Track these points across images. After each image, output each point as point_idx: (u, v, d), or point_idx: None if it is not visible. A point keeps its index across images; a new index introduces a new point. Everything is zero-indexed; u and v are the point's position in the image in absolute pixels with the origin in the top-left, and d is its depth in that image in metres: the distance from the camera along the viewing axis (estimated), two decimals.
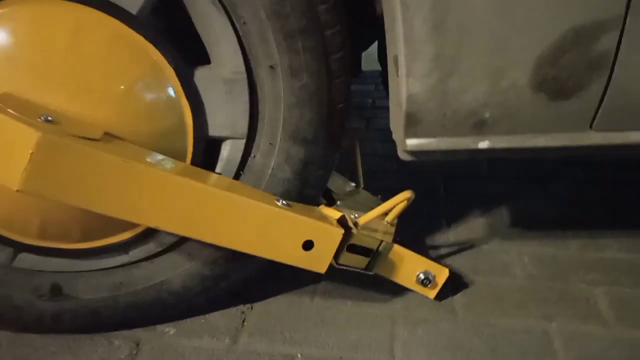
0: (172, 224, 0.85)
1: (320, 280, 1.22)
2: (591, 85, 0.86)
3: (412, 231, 1.42)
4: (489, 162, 1.85)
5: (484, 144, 0.93)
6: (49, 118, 0.78)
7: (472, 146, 0.94)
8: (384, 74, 1.29)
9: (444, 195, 1.64)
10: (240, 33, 0.89)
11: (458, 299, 1.15)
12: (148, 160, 0.84)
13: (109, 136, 0.84)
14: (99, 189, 0.78)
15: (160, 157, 0.88)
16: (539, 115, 0.90)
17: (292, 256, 0.93)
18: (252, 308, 1.14)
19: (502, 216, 1.49)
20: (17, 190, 0.74)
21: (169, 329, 1.07)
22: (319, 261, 0.95)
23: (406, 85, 0.87)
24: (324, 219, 0.97)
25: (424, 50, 0.83)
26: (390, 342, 1.03)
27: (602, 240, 1.35)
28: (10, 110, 0.74)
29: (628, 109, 0.89)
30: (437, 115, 0.90)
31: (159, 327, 1.07)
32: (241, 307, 1.13)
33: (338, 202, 1.13)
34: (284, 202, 0.93)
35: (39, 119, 0.77)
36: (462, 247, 1.35)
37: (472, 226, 1.45)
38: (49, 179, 0.75)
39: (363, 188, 1.38)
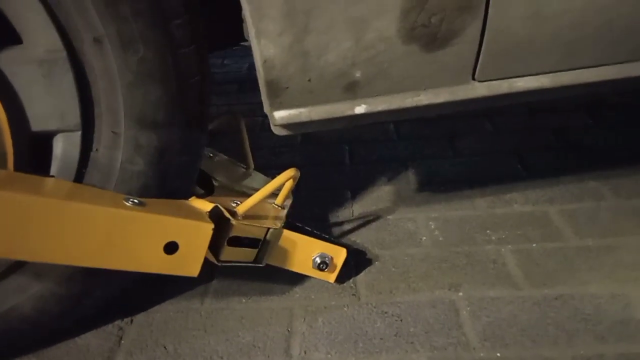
0: None
1: (214, 277, 1.09)
2: (466, 30, 0.76)
3: (314, 208, 1.31)
4: (396, 123, 1.77)
5: (360, 109, 0.82)
6: None
7: (348, 112, 0.83)
8: None
9: (349, 164, 1.54)
10: (49, 1, 0.72)
11: (361, 278, 1.06)
12: None
13: None
14: None
15: None
16: (415, 70, 0.79)
17: (154, 263, 0.79)
18: (131, 321, 0.99)
19: (409, 181, 1.41)
20: None
21: None
22: (188, 264, 0.82)
23: (259, 49, 0.74)
24: (190, 214, 0.84)
25: (271, 3, 0.70)
26: (287, 340, 0.93)
27: (508, 194, 1.30)
28: None
29: (510, 53, 0.80)
30: (301, 81, 0.78)
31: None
32: (119, 323, 0.99)
33: (218, 194, 1.00)
34: (134, 200, 0.79)
35: None
36: (367, 219, 1.26)
37: (378, 196, 1.36)
38: None
39: (255, 169, 1.25)
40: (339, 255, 1.01)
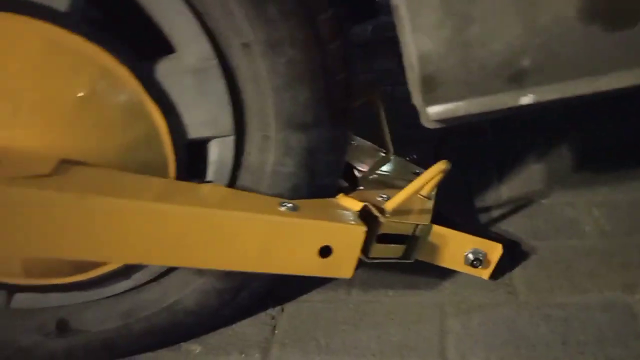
0: (156, 257, 0.73)
1: (359, 265, 1.08)
2: None
3: (458, 191, 1.24)
4: None
5: (526, 99, 0.73)
6: None
7: (511, 103, 0.74)
8: None
9: (492, 137, 1.43)
10: (199, 9, 0.71)
11: (517, 274, 0.98)
12: (113, 187, 0.70)
13: (66, 165, 0.70)
14: (57, 233, 0.66)
15: (132, 177, 0.75)
16: (595, 53, 0.68)
17: (309, 266, 0.79)
18: (282, 310, 1.02)
19: (563, 157, 1.27)
20: None
21: (195, 347, 0.97)
22: (342, 266, 0.81)
23: (414, 44, 0.68)
24: (341, 215, 0.82)
25: None
26: (441, 340, 0.89)
27: None
28: None
29: None
30: (460, 74, 0.70)
31: (184, 346, 0.97)
32: (271, 312, 1.02)
33: (361, 186, 0.97)
34: (289, 204, 0.78)
35: None
36: (519, 204, 1.16)
37: (529, 175, 1.24)
38: None
39: (394, 154, 1.20)
40: (494, 251, 0.94)
